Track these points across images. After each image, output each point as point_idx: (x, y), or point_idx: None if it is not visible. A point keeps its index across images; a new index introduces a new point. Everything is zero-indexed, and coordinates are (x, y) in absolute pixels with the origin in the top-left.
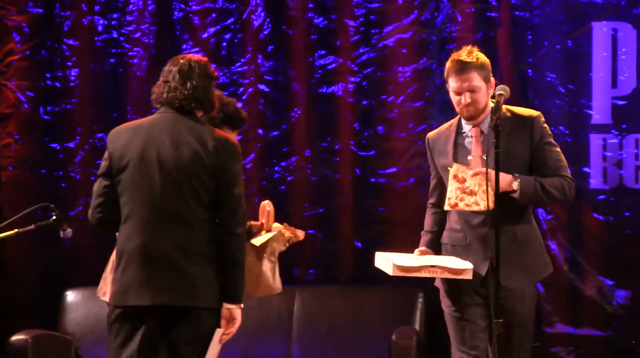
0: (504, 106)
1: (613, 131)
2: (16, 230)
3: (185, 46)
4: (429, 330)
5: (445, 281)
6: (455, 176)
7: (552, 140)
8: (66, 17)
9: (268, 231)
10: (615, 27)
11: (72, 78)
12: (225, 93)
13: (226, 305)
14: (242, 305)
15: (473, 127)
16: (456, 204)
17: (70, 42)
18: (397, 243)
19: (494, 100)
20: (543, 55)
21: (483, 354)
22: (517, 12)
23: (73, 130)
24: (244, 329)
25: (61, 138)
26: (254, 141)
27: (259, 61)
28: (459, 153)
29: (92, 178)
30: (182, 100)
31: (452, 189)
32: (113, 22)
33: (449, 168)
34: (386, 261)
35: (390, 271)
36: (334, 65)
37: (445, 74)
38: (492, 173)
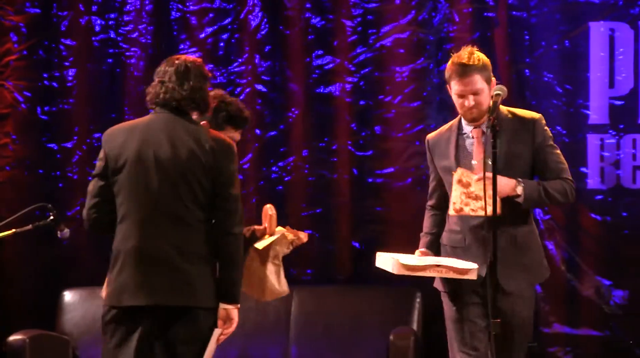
0: (505, 108)
1: (610, 131)
2: (14, 230)
3: (182, 46)
4: (427, 330)
5: (445, 282)
6: (459, 181)
7: (553, 142)
8: (63, 17)
9: (271, 235)
10: (613, 27)
11: (70, 78)
12: (223, 93)
13: (223, 305)
14: (239, 305)
15: (474, 128)
16: (461, 209)
17: (68, 42)
18: (395, 243)
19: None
20: (540, 55)
21: (483, 356)
22: (514, 12)
23: (70, 130)
24: (242, 329)
25: (59, 138)
26: (252, 141)
27: (257, 61)
28: (461, 154)
29: (90, 178)
30: (180, 101)
31: (457, 194)
32: (110, 22)
33: (452, 172)
34: (390, 261)
35: (395, 270)
36: (331, 65)
37: (447, 76)
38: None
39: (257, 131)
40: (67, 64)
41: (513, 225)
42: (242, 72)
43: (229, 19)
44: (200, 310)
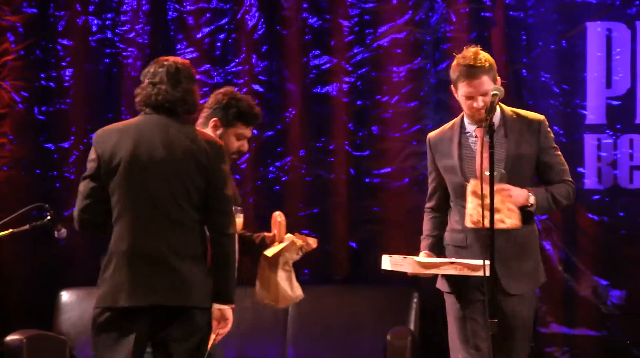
0: (509, 108)
1: (607, 131)
2: (11, 230)
3: (179, 46)
4: (424, 330)
5: (449, 282)
6: (474, 192)
7: (555, 144)
8: (60, 17)
9: (280, 242)
10: (610, 27)
11: (67, 78)
12: None
13: (218, 305)
14: (234, 305)
15: (478, 127)
16: (479, 221)
17: (65, 42)
18: (392, 243)
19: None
20: (537, 55)
21: (485, 355)
22: (511, 12)
23: (67, 130)
24: (239, 329)
25: (56, 138)
26: (249, 141)
27: (253, 61)
28: (464, 154)
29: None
30: (173, 102)
31: (472, 206)
32: (107, 22)
33: (466, 183)
34: (404, 261)
35: (410, 269)
36: (328, 65)
37: (454, 77)
38: (507, 186)
39: (254, 131)
40: (64, 64)
41: None
42: (239, 72)
43: (226, 19)
44: (196, 310)
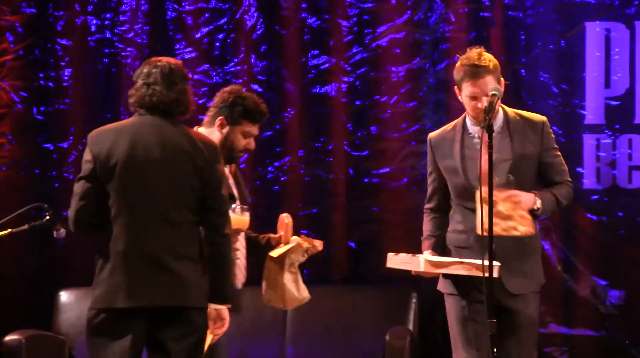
0: (511, 109)
1: (606, 131)
2: (10, 230)
3: (178, 46)
4: (423, 330)
5: (450, 283)
6: (485, 200)
7: (555, 145)
8: (59, 17)
9: (286, 243)
10: (609, 27)
11: (66, 78)
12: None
13: (215, 305)
14: (230, 305)
15: (481, 128)
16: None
17: (64, 42)
18: (391, 243)
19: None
20: (536, 55)
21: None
22: (510, 12)
23: (66, 130)
24: (238, 329)
25: (54, 138)
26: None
27: (252, 61)
28: (466, 154)
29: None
30: (168, 103)
31: (484, 214)
32: (106, 22)
33: (475, 190)
34: (410, 259)
35: (421, 267)
36: (327, 65)
37: (458, 78)
38: (513, 192)
39: None
40: (63, 64)
41: None
42: (237, 72)
43: (225, 19)
44: (193, 310)
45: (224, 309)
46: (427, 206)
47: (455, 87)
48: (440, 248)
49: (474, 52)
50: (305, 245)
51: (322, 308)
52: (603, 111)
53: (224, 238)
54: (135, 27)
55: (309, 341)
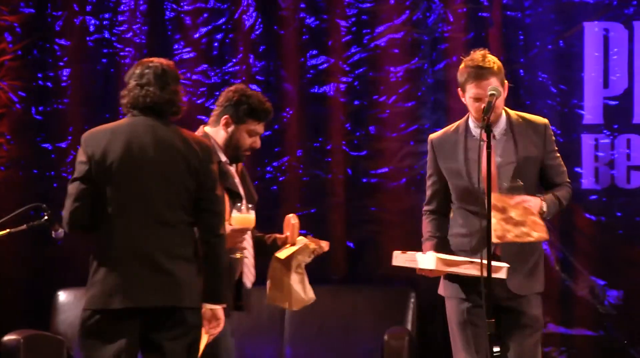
0: (513, 112)
1: (605, 131)
2: (8, 230)
3: (176, 46)
4: (421, 330)
5: (451, 287)
6: (494, 206)
7: (555, 147)
8: (58, 17)
9: (292, 244)
10: (607, 27)
11: (64, 78)
12: (216, 93)
13: (210, 305)
14: (225, 305)
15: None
16: (504, 236)
17: (62, 42)
18: (389, 243)
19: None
20: (535, 55)
21: None
22: (508, 12)
23: (65, 130)
24: (236, 329)
25: (53, 138)
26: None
27: (251, 61)
28: (470, 157)
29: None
30: (163, 104)
31: (495, 221)
32: (105, 22)
33: (480, 193)
34: (424, 257)
35: (432, 265)
36: (325, 65)
37: (462, 80)
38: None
39: None
40: (61, 64)
41: None
42: (236, 72)
43: (223, 19)
44: (189, 310)
45: (219, 309)
46: (426, 207)
47: (459, 89)
48: (442, 249)
49: (478, 54)
50: (312, 245)
51: (320, 308)
52: (601, 111)
53: (219, 238)
54: (134, 27)
55: (307, 341)
